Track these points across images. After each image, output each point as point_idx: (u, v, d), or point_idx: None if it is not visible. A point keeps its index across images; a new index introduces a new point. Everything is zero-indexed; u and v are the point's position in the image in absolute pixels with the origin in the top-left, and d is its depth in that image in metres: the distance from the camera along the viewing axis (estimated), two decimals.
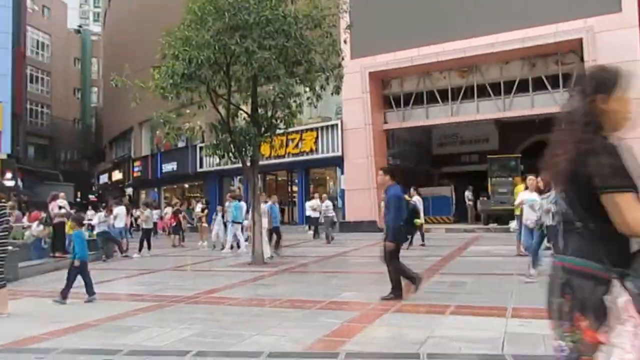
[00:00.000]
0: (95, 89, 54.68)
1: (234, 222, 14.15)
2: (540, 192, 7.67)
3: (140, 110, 12.18)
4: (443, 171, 28.38)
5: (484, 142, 26.71)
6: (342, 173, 21.95)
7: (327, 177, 25.40)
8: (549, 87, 19.24)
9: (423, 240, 13.61)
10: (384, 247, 6.44)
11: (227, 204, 14.96)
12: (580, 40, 17.33)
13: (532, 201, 7.96)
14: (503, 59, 19.78)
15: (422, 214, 13.96)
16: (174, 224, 17.94)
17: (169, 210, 21.00)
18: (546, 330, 4.52)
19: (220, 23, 9.91)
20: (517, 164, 19.84)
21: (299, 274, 9.90)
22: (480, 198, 20.94)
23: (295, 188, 24.95)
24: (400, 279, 6.43)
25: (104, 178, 42.33)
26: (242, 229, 14.30)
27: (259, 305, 6.52)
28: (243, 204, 14.50)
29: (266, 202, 12.74)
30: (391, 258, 6.44)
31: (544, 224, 7.39)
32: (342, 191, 21.88)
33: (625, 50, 16.57)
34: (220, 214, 15.46)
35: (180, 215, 18.40)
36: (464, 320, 5.24)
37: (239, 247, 14.31)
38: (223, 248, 14.68)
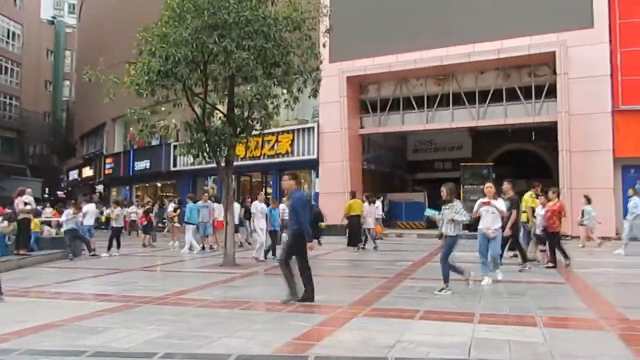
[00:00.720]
0: (68, 83, 53.16)
1: (187, 222, 14.43)
2: (444, 202, 7.60)
3: (114, 106, 11.94)
4: (417, 177, 28.69)
5: (457, 149, 27.13)
6: (317, 176, 21.98)
7: (302, 180, 25.37)
8: (522, 98, 19.70)
9: (371, 243, 14.13)
10: (284, 250, 6.67)
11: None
12: (553, 54, 17.80)
13: (431, 213, 8.08)
14: (478, 69, 20.18)
15: (372, 220, 14.80)
16: (145, 223, 17.62)
17: (134, 210, 20.70)
18: (511, 336, 4.67)
19: (198, 21, 9.83)
20: (489, 172, 20.21)
21: (270, 276, 9.85)
22: None
23: (269, 190, 24.84)
24: (303, 278, 6.54)
25: (74, 174, 41.29)
26: (197, 229, 14.59)
27: (228, 307, 6.45)
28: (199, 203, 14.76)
29: (268, 204, 12.92)
30: (288, 258, 6.59)
31: (444, 233, 7.35)
32: (317, 194, 21.89)
33: (596, 65, 17.16)
34: None
35: (152, 215, 18.11)
36: (432, 325, 5.30)
37: (204, 248, 14.66)
38: (182, 248, 14.76)
